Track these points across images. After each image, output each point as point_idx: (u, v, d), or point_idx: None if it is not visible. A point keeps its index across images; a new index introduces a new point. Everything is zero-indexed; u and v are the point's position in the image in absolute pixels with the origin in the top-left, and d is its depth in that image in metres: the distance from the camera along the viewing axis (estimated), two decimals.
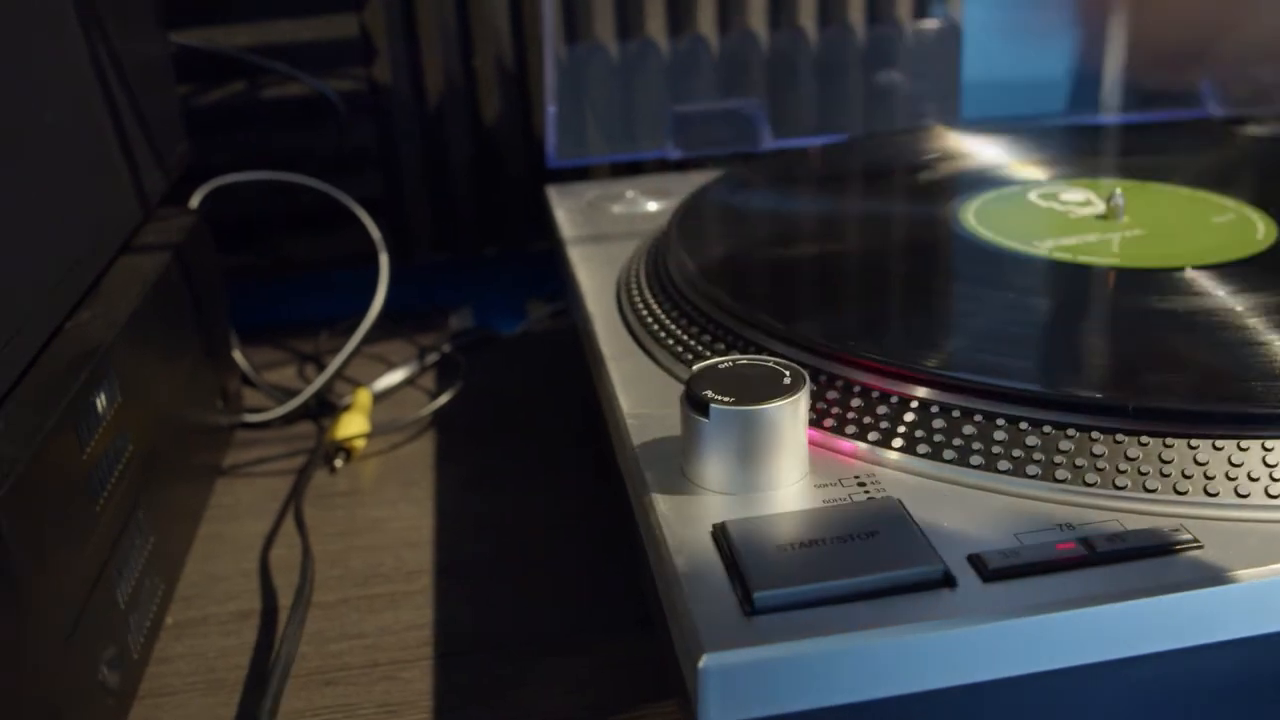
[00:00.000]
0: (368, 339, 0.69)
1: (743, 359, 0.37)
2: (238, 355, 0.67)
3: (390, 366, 0.70)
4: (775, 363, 0.36)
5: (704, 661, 0.29)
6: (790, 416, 0.35)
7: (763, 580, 0.30)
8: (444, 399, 0.66)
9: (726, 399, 0.34)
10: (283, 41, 0.71)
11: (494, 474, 0.59)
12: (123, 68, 0.53)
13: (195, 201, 0.63)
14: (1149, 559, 0.32)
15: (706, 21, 0.74)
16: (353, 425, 0.61)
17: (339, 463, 0.60)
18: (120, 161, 0.52)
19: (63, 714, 0.37)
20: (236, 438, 0.64)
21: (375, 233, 0.68)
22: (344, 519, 0.56)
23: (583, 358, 0.51)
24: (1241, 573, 0.31)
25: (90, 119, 0.49)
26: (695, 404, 0.35)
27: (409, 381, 0.70)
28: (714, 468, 0.35)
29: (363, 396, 0.65)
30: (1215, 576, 0.31)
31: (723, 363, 0.37)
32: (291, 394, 0.65)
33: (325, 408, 0.66)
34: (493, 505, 0.56)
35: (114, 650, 0.42)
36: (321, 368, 0.68)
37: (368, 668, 0.46)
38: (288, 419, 0.65)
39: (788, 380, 0.35)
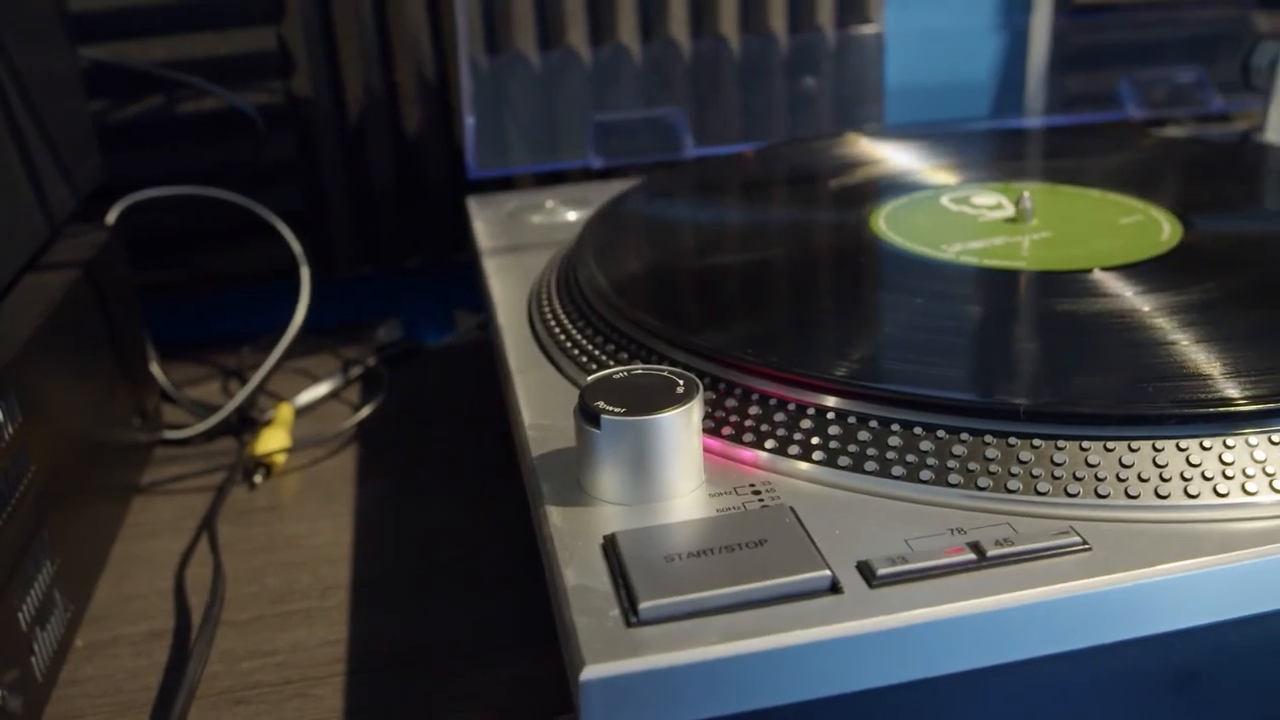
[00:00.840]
0: (292, 354, 0.68)
1: (638, 369, 0.37)
2: (156, 371, 0.66)
3: (314, 381, 0.70)
4: (670, 372, 0.36)
5: (585, 674, 0.28)
6: (683, 426, 0.35)
7: (648, 591, 0.30)
8: (365, 412, 0.65)
9: (618, 409, 0.34)
10: (199, 55, 0.70)
11: (415, 488, 0.59)
12: (23, 82, 0.52)
13: (112, 218, 0.63)
14: (1037, 561, 0.32)
15: (628, 30, 0.74)
16: (273, 440, 0.61)
17: (259, 479, 0.60)
18: (21, 178, 0.51)
19: None
20: (156, 455, 0.63)
21: (296, 246, 0.68)
22: (262, 535, 0.55)
23: (495, 370, 0.51)
24: (1128, 574, 0.31)
25: None
26: (587, 415, 0.35)
27: (333, 395, 0.69)
28: (607, 479, 0.35)
29: (284, 411, 0.65)
30: (1102, 579, 0.31)
31: (618, 373, 0.37)
32: (213, 410, 0.65)
33: (247, 423, 0.65)
34: (413, 520, 0.56)
35: (15, 673, 0.41)
36: (244, 383, 0.67)
37: (279, 685, 0.45)
38: (209, 435, 0.64)
39: (681, 389, 0.35)
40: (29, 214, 0.52)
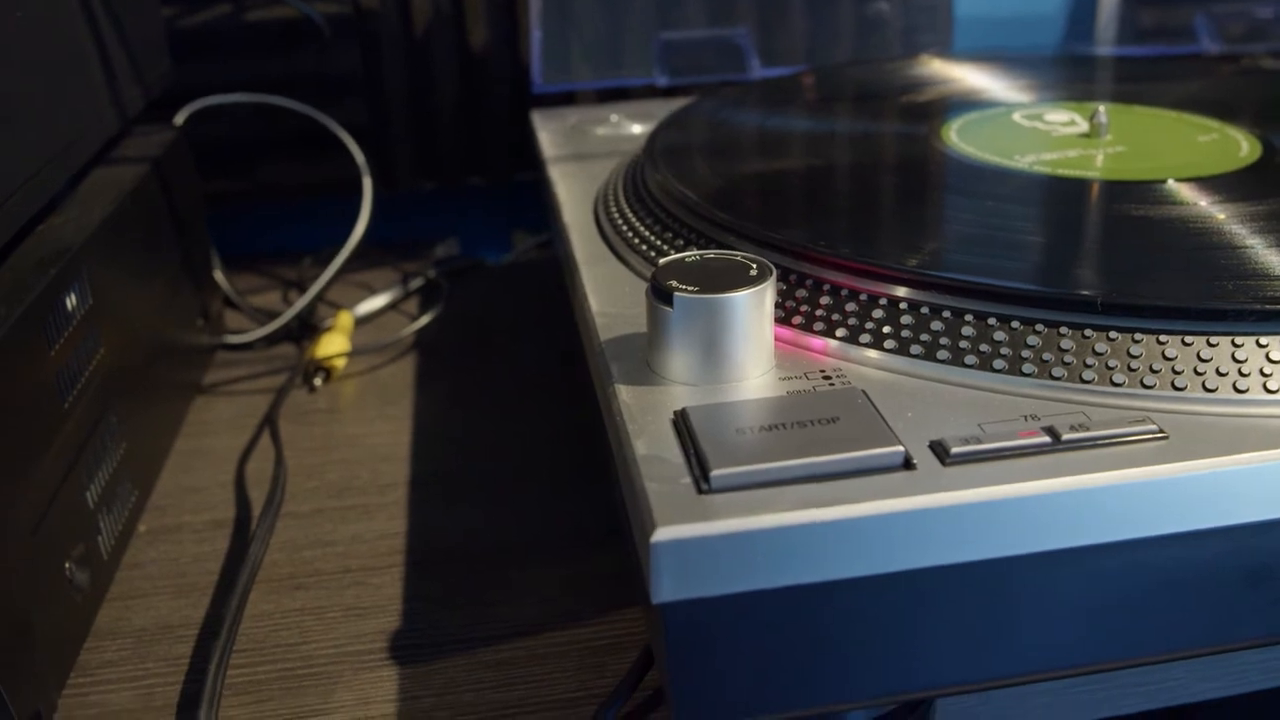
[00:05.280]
0: (353, 266, 0.69)
1: (711, 253, 0.37)
2: (219, 277, 0.66)
3: (374, 293, 0.70)
4: (743, 256, 0.36)
5: (656, 536, 0.28)
6: (756, 306, 0.34)
7: (720, 459, 0.30)
8: (424, 320, 0.66)
9: (691, 288, 0.34)
10: None
11: (472, 394, 0.59)
12: None
13: (180, 119, 0.63)
14: (1113, 447, 0.31)
15: None
16: (333, 345, 0.61)
17: (319, 381, 0.60)
18: (96, 70, 0.51)
19: (28, 607, 0.36)
20: (218, 358, 0.64)
21: (360, 157, 0.68)
22: (322, 435, 0.56)
23: (562, 276, 0.51)
24: (1206, 462, 0.31)
25: (64, 23, 0.49)
26: (659, 293, 0.34)
27: (392, 306, 0.70)
28: (678, 358, 0.35)
29: (344, 318, 0.65)
30: (1180, 464, 0.31)
31: (690, 256, 0.36)
32: (274, 316, 0.65)
33: (307, 330, 0.66)
34: (469, 424, 0.56)
35: (82, 549, 0.42)
36: (305, 292, 0.68)
37: (338, 574, 0.46)
38: (269, 340, 0.65)
39: (754, 272, 0.35)
40: (102, 105, 0.52)
